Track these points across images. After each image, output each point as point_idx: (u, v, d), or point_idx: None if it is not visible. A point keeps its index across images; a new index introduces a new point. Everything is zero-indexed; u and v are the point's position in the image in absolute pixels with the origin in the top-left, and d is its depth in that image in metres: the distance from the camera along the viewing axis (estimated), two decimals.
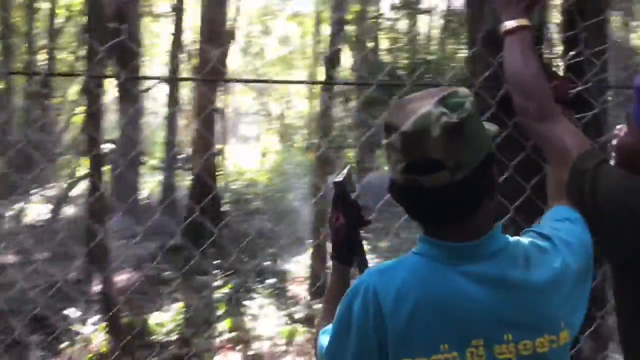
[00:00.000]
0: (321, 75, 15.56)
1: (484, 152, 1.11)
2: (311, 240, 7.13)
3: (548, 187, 1.47)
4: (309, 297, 6.43)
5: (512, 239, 1.17)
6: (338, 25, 6.72)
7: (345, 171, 1.54)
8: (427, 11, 13.93)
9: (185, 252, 6.42)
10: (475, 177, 1.08)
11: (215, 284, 6.27)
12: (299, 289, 6.91)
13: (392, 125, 1.11)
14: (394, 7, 12.67)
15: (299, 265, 7.43)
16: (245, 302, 6.00)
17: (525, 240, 1.19)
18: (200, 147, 8.79)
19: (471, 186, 1.09)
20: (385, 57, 12.77)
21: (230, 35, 10.20)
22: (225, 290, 6.11)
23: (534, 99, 1.51)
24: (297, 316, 5.89)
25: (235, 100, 19.07)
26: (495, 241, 1.14)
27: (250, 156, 17.14)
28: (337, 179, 1.52)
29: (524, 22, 1.60)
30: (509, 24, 1.60)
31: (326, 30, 15.65)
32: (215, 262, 6.36)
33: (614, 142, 1.45)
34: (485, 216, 1.15)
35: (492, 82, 1.80)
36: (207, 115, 8.18)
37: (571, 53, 1.78)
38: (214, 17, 9.08)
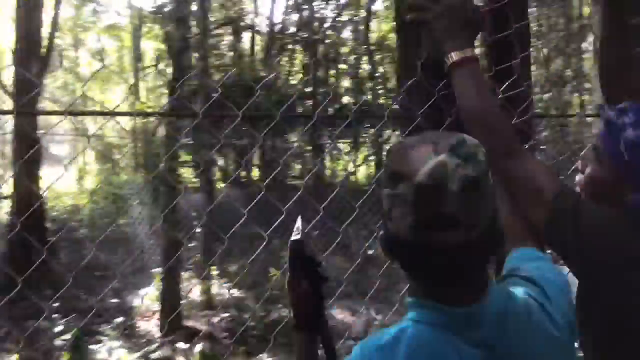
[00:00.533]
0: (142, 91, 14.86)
1: (493, 205, 1.04)
2: (159, 269, 6.65)
3: (508, 226, 1.34)
4: (160, 334, 5.97)
5: (509, 292, 1.11)
6: (182, 42, 6.38)
7: (299, 225, 1.36)
8: (251, 27, 13.97)
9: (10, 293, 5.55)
10: (486, 234, 1.01)
11: (56, 329, 5.51)
12: (149, 325, 6.38)
13: (401, 175, 1.00)
14: (219, 24, 12.53)
15: (146, 298, 6.86)
16: (92, 347, 5.36)
17: (520, 292, 1.13)
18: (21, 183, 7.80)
19: (483, 244, 1.01)
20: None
21: (47, 54, 9.19)
22: (67, 336, 5.40)
23: (498, 136, 1.48)
24: (153, 356, 5.40)
25: (42, 118, 17.34)
26: (497, 301, 1.06)
27: (65, 179, 15.67)
28: (294, 237, 1.34)
29: (470, 52, 1.56)
30: (456, 56, 1.55)
31: (145, 44, 15.01)
32: (52, 305, 5.59)
33: (578, 177, 1.47)
34: (487, 272, 1.10)
35: (433, 113, 1.76)
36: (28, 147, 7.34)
37: (505, 84, 1.81)
38: (30, 33, 8.17)
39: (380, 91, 10.90)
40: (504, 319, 1.05)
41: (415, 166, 0.99)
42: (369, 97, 10.51)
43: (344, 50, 12.55)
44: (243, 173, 11.16)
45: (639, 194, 1.30)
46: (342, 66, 12.09)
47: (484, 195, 1.00)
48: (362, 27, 12.30)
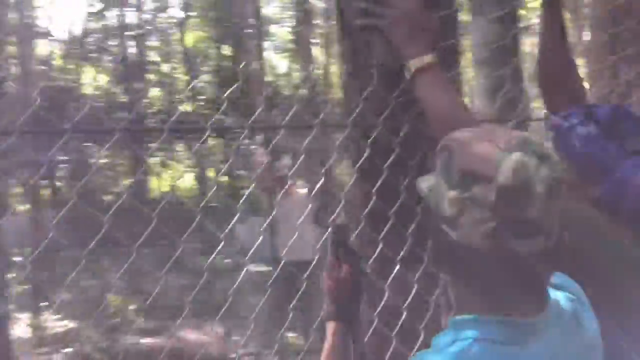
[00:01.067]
0: None
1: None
2: None
3: None
4: None
5: (557, 300, 1.06)
6: None
7: (341, 212, 1.34)
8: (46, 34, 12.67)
9: None
10: (557, 241, 0.94)
11: None
12: None
13: (476, 175, 0.89)
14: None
15: None
16: None
17: (564, 299, 1.08)
18: None
19: (555, 252, 0.95)
20: None
21: None
22: None
23: None
24: None
25: None
26: (553, 309, 1.01)
27: None
28: (340, 222, 1.31)
29: (432, 58, 1.55)
30: (419, 62, 1.53)
31: None
32: None
33: None
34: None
35: (391, 122, 1.73)
36: None
37: None
38: None
39: (200, 102, 10.64)
40: (560, 327, 1.01)
41: (492, 165, 0.89)
42: (188, 107, 10.20)
43: (157, 58, 12.02)
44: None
45: (601, 185, 1.38)
46: (151, 76, 11.56)
47: (560, 198, 0.92)
48: (174, 36, 11.90)
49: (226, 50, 11.48)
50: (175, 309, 5.59)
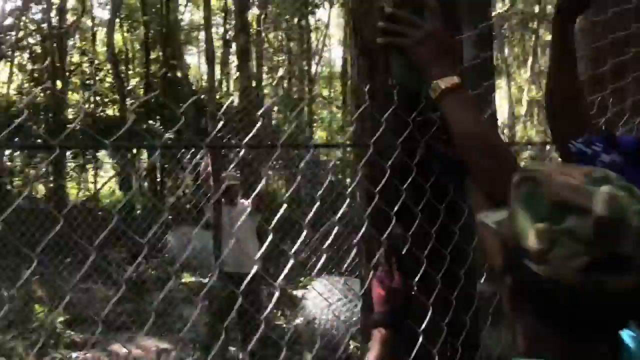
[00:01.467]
0: None
1: None
2: None
3: None
4: None
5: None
6: None
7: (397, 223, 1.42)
8: None
9: None
10: None
11: None
12: None
13: (573, 206, 0.85)
14: None
15: None
16: None
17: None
18: None
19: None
20: None
21: None
22: None
23: (505, 162, 1.48)
24: None
25: None
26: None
27: None
28: (396, 231, 1.30)
29: (458, 79, 1.56)
30: (446, 82, 1.53)
31: None
32: None
33: None
34: None
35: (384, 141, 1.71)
36: None
37: None
38: None
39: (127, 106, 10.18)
40: None
41: (585, 196, 0.86)
42: (112, 111, 9.73)
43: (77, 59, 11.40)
44: None
45: None
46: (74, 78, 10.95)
47: None
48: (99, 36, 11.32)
49: (155, 54, 11.15)
50: (105, 321, 5.33)
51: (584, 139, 1.49)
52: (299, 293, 6.70)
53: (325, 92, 17.96)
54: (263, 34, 12.46)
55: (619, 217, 0.84)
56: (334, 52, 22.96)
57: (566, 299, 0.85)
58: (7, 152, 8.71)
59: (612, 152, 1.43)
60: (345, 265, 5.97)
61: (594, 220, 0.83)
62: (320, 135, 18.89)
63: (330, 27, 17.71)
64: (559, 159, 1.84)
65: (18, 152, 9.06)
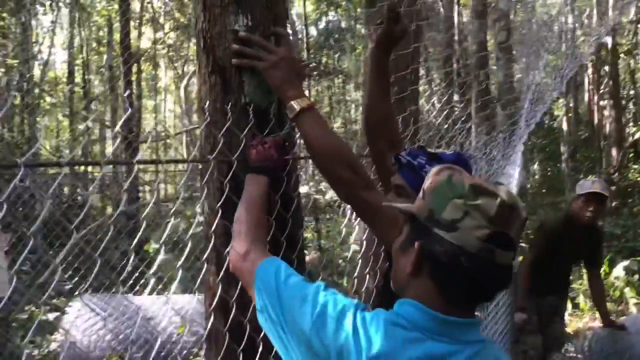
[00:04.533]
0: None
1: None
2: None
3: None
4: None
5: None
6: None
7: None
8: None
9: None
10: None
11: None
12: None
13: (483, 190, 1.10)
14: None
15: None
16: None
17: None
18: None
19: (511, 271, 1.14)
20: None
21: None
22: None
23: (357, 171, 1.77)
24: None
25: None
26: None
27: None
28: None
29: (310, 99, 1.80)
30: (302, 102, 1.75)
31: None
32: None
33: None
34: None
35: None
36: None
37: None
38: None
39: None
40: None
41: (492, 187, 1.11)
42: None
43: None
44: None
45: None
46: None
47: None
48: None
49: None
50: None
51: (409, 153, 1.79)
52: (50, 317, 6.11)
53: (48, 99, 16.42)
54: None
55: (514, 204, 1.10)
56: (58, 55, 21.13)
57: (465, 262, 1.07)
58: None
59: (434, 164, 1.78)
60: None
61: (499, 202, 1.08)
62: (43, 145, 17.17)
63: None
64: (374, 169, 2.18)
65: None
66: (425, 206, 1.14)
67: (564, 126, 13.92)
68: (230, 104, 1.89)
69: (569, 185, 12.89)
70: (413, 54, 2.83)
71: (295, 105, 1.75)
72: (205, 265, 1.94)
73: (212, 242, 1.90)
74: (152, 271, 5.84)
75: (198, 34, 1.95)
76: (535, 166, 18.41)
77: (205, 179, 1.92)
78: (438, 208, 1.11)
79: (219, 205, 1.84)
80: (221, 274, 1.83)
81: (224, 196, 1.83)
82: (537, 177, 18.30)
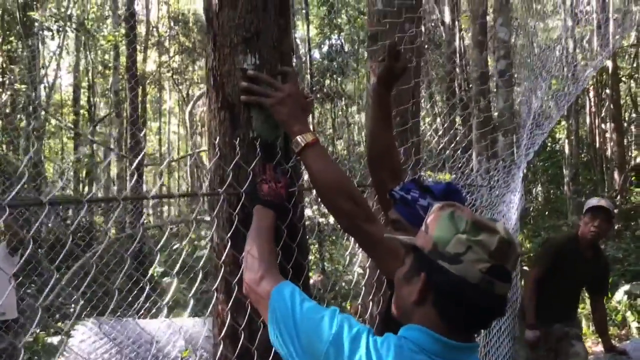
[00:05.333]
0: None
1: None
2: None
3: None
4: None
5: None
6: None
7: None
8: None
9: None
10: None
11: None
12: None
13: (485, 227, 1.19)
14: None
15: None
16: None
17: None
18: None
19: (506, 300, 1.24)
20: None
21: None
22: None
23: (360, 204, 1.83)
24: None
25: None
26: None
27: None
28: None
29: (315, 134, 1.87)
30: (308, 137, 1.82)
31: None
32: None
33: None
34: None
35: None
36: None
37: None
38: None
39: None
40: None
41: (492, 223, 1.21)
42: None
43: None
44: None
45: None
46: None
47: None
48: None
49: None
50: None
51: (402, 187, 1.88)
52: (54, 340, 6.14)
53: (53, 121, 16.61)
54: None
55: (511, 241, 1.20)
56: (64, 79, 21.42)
57: (466, 293, 1.17)
58: None
59: (426, 197, 1.86)
60: (112, 307, 5.72)
61: (499, 238, 1.17)
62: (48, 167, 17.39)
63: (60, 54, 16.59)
64: (377, 198, 2.25)
65: None
66: (430, 239, 1.23)
67: (566, 149, 14.00)
68: (238, 138, 1.97)
69: (571, 208, 12.92)
70: (414, 87, 2.93)
71: (300, 140, 1.82)
72: (215, 294, 2.00)
73: (222, 271, 1.96)
74: (153, 295, 5.89)
75: (209, 71, 2.04)
76: (538, 189, 18.45)
77: (215, 211, 1.99)
78: (442, 242, 1.20)
79: (228, 235, 1.91)
80: (230, 302, 1.89)
81: (233, 227, 1.90)
82: (540, 199, 18.33)
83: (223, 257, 1.93)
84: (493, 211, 3.99)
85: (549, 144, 15.92)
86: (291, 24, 2.35)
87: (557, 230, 12.05)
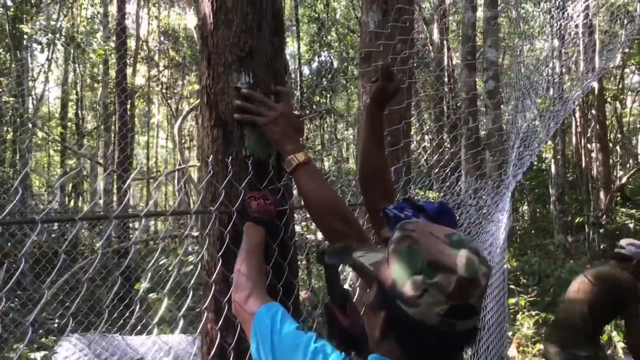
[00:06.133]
0: None
1: None
2: None
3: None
4: None
5: None
6: None
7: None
8: None
9: None
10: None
11: None
12: None
13: (442, 266, 1.11)
14: None
15: None
16: None
17: None
18: None
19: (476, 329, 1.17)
20: None
21: None
22: None
23: (352, 225, 1.83)
24: None
25: None
26: None
27: None
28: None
29: (306, 155, 1.87)
30: (301, 156, 1.83)
31: None
32: None
33: None
34: None
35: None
36: None
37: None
38: None
39: None
40: None
41: (451, 259, 1.11)
42: None
43: None
44: None
45: None
46: None
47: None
48: None
49: None
50: None
51: (395, 206, 1.87)
52: (37, 356, 6.03)
53: (40, 134, 16.48)
54: None
55: (473, 277, 1.11)
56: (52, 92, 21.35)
57: (427, 335, 1.12)
58: None
59: (420, 216, 1.87)
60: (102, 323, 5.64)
61: (456, 278, 1.10)
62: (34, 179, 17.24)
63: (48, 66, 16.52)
64: (368, 217, 2.25)
65: None
66: (389, 275, 1.17)
67: (552, 168, 14.14)
68: (231, 156, 1.97)
69: (557, 227, 13.01)
70: (406, 107, 2.95)
71: (293, 159, 1.83)
72: (206, 313, 1.99)
73: (212, 290, 1.95)
74: (137, 311, 5.82)
75: (202, 89, 2.04)
76: (524, 207, 18.57)
77: (207, 229, 1.99)
78: (400, 281, 1.14)
79: (219, 254, 1.90)
80: (220, 321, 1.88)
81: (225, 245, 1.90)
82: (526, 218, 18.46)
83: (213, 276, 1.92)
84: (481, 230, 4.01)
85: (536, 163, 16.05)
86: (284, 42, 2.36)
87: (542, 250, 12.11)
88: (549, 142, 14.92)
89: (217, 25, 1.99)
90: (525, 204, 18.25)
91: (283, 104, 1.97)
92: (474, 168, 4.99)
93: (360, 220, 2.44)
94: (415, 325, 1.11)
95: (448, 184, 4.14)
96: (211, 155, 2.00)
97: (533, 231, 15.79)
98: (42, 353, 6.06)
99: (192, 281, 2.20)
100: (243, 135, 1.99)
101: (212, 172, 1.98)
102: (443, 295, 1.09)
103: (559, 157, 13.74)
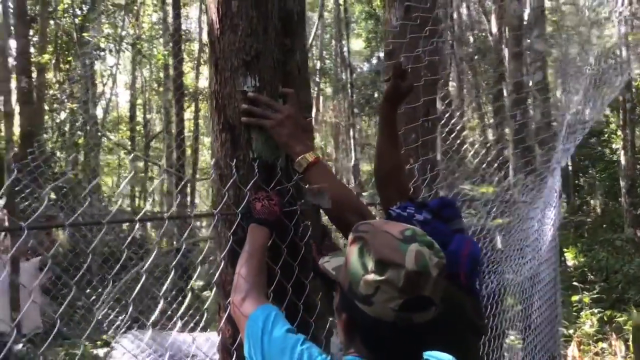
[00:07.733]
0: None
1: None
2: None
3: None
4: None
5: None
6: None
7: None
8: None
9: None
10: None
11: None
12: None
13: (391, 262, 1.14)
14: None
15: None
16: None
17: None
18: None
19: (437, 321, 1.19)
20: None
21: None
22: None
23: (370, 217, 1.85)
24: None
25: None
26: None
27: None
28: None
29: (316, 154, 1.89)
30: (310, 156, 1.86)
31: None
32: None
33: None
34: None
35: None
36: None
37: None
38: None
39: None
40: None
41: (399, 254, 1.14)
42: None
43: None
44: None
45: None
46: None
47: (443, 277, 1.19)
48: None
49: None
50: None
51: (399, 206, 1.89)
52: (100, 352, 6.33)
53: (111, 137, 17.29)
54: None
55: (422, 270, 1.13)
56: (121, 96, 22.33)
57: (385, 331, 1.15)
58: None
59: (422, 212, 1.85)
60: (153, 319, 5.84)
61: (405, 273, 1.12)
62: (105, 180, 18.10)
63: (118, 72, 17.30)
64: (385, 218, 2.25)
65: None
66: (347, 277, 1.21)
67: (622, 159, 13.43)
68: (239, 160, 2.00)
69: (628, 220, 12.35)
70: (429, 105, 2.90)
71: (303, 160, 1.85)
72: (220, 313, 2.03)
73: (223, 290, 2.00)
74: (192, 308, 5.99)
75: (211, 95, 2.08)
76: (596, 200, 17.76)
77: (218, 231, 2.02)
78: (354, 282, 1.18)
79: (223, 254, 1.94)
80: (231, 321, 1.92)
81: (230, 247, 1.93)
82: (598, 211, 17.64)
83: (225, 277, 1.96)
84: (525, 226, 3.88)
85: (607, 154, 15.33)
86: (302, 43, 2.37)
87: (611, 245, 11.54)
88: (619, 133, 14.20)
89: (224, 30, 2.02)
90: (596, 197, 17.44)
91: (288, 105, 1.99)
92: (524, 165, 4.81)
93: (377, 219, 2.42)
94: (374, 322, 1.14)
95: (497, 178, 4.04)
96: (218, 159, 2.03)
97: (604, 225, 15.07)
98: (106, 349, 6.35)
99: None
100: (250, 138, 2.00)
101: (220, 175, 2.02)
102: (395, 291, 1.12)
103: (628, 148, 13.04)
